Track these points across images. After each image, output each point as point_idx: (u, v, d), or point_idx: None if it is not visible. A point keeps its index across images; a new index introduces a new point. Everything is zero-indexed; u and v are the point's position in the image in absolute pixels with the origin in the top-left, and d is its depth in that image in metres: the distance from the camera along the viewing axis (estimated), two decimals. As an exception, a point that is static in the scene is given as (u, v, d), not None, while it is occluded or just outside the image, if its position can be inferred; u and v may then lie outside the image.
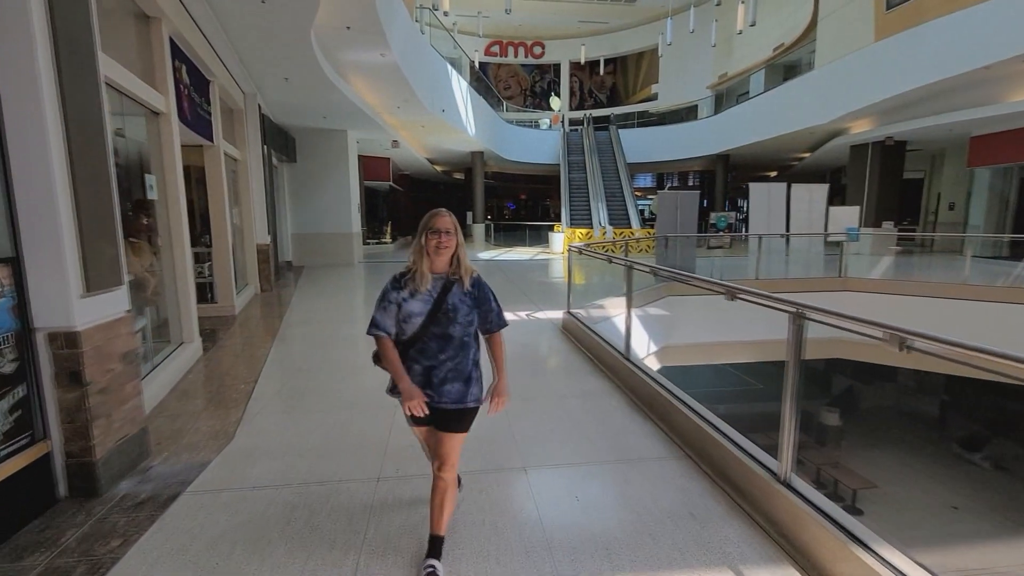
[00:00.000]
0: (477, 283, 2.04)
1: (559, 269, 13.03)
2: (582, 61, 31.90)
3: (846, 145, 15.84)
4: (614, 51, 31.53)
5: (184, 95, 5.02)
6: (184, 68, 5.08)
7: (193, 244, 6.92)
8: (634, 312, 7.51)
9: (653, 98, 30.10)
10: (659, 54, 29.70)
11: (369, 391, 3.94)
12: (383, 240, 20.59)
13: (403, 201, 25.06)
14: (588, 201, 20.07)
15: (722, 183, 22.77)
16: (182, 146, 6.09)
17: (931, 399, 9.46)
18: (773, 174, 26.08)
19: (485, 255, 16.05)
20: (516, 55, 33.55)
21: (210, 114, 6.15)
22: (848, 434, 8.36)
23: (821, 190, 12.47)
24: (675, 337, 7.91)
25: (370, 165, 17.47)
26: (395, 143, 14.99)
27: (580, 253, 5.87)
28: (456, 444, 2.01)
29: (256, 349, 5.08)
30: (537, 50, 33.39)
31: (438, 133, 16.18)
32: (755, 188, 12.62)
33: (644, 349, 7.35)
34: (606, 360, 4.54)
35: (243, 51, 6.62)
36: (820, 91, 14.82)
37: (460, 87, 15.57)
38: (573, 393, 4.03)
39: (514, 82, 34.79)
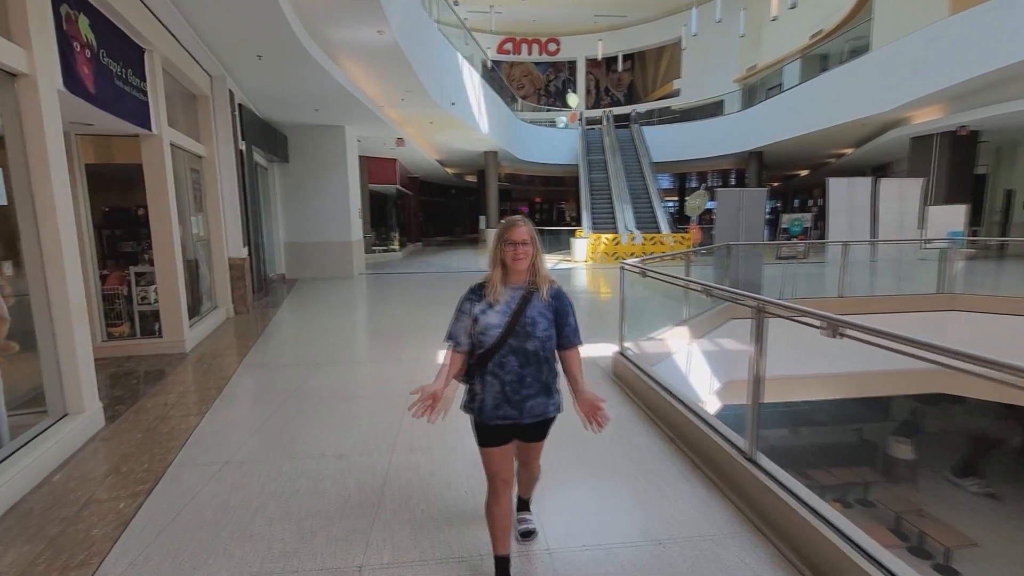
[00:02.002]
0: (557, 295, 1.93)
1: (585, 280, 11.44)
2: (599, 57, 30.43)
3: (904, 138, 14.02)
4: (632, 46, 30.03)
5: (83, 58, 3.57)
6: (86, 20, 3.62)
7: (134, 262, 5.52)
8: (695, 343, 5.94)
9: (674, 94, 28.52)
10: (682, 47, 28.12)
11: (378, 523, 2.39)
12: (391, 247, 19.17)
13: (413, 205, 23.66)
14: (611, 203, 18.47)
15: (755, 182, 20.96)
16: (105, 136, 4.83)
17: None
18: (803, 173, 24.27)
19: (500, 264, 14.55)
20: (530, 52, 32.18)
21: (145, 93, 4.70)
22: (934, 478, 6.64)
23: (914, 185, 10.60)
24: (739, 370, 6.31)
25: (375, 167, 16.08)
26: (400, 141, 13.55)
27: (643, 275, 4.24)
28: (537, 451, 2.05)
29: (181, 418, 3.58)
30: (552, 47, 32.00)
31: (448, 130, 14.72)
32: (834, 184, 10.72)
33: (705, 387, 5.78)
34: (701, 448, 2.96)
35: (190, 14, 5.17)
36: (879, 76, 13.05)
37: (472, 79, 14.10)
38: (642, 494, 2.46)
39: (527, 81, 33.32)
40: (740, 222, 7.92)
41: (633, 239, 14.68)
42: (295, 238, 11.62)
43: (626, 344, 4.38)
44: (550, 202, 35.97)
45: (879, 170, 19.52)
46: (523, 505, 2.28)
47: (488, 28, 23.78)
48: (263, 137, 9.53)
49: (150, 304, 5.40)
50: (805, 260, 8.33)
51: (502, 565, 1.92)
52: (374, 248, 17.33)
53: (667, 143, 22.45)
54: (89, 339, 3.36)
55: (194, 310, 6.24)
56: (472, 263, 14.88)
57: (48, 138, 3.01)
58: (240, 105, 7.89)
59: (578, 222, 26.11)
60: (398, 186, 18.40)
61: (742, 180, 24.01)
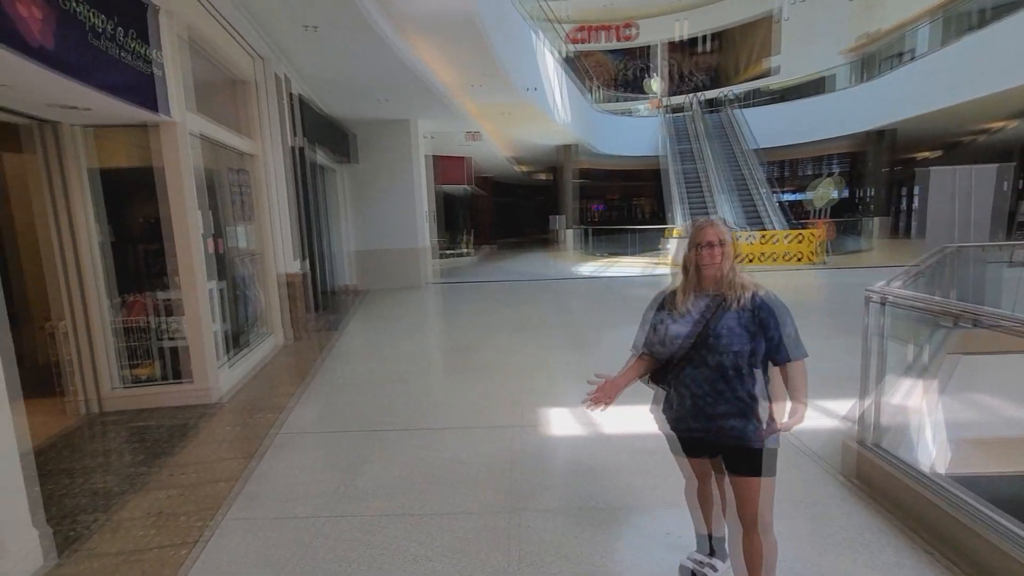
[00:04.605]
0: (760, 304, 1.69)
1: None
2: (683, 37, 27.89)
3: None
4: (719, 24, 27.24)
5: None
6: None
7: (149, 286, 4.39)
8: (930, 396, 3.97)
9: (767, 74, 25.48)
10: (777, 19, 25.06)
11: None
12: (461, 251, 18.02)
13: (484, 206, 22.47)
14: (705, 196, 16.21)
15: (880, 167, 17.75)
16: (99, 127, 3.53)
17: None
18: (931, 155, 20.56)
19: (584, 269, 12.83)
20: (604, 40, 30.20)
21: (152, 64, 3.51)
22: None
23: None
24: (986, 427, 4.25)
25: (445, 166, 14.92)
26: (474, 135, 12.24)
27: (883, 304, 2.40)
28: (752, 491, 1.70)
29: (159, 553, 2.25)
30: (628, 32, 29.83)
31: (524, 122, 13.23)
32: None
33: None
34: None
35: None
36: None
37: (550, 64, 12.53)
38: None
39: (599, 72, 31.27)
40: (971, 211, 5.63)
41: (748, 240, 12.41)
42: (363, 245, 10.59)
43: (874, 422, 2.58)
44: (626, 198, 33.81)
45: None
46: (716, 549, 1.99)
47: (561, 16, 22.03)
48: (328, 136, 8.48)
49: (182, 339, 4.27)
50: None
51: (710, 541, 1.94)
52: (446, 252, 16.24)
53: (763, 127, 19.70)
54: (13, 443, 2.10)
55: (238, 340, 5.12)
56: (553, 269, 13.28)
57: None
58: (300, 98, 6.80)
59: (659, 219, 23.88)
60: (469, 186, 17.19)
61: (860, 164, 20.67)
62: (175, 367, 4.30)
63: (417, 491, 2.70)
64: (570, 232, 18.89)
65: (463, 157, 15.75)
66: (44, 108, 3.39)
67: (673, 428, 1.85)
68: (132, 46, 3.27)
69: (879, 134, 17.65)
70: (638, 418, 3.35)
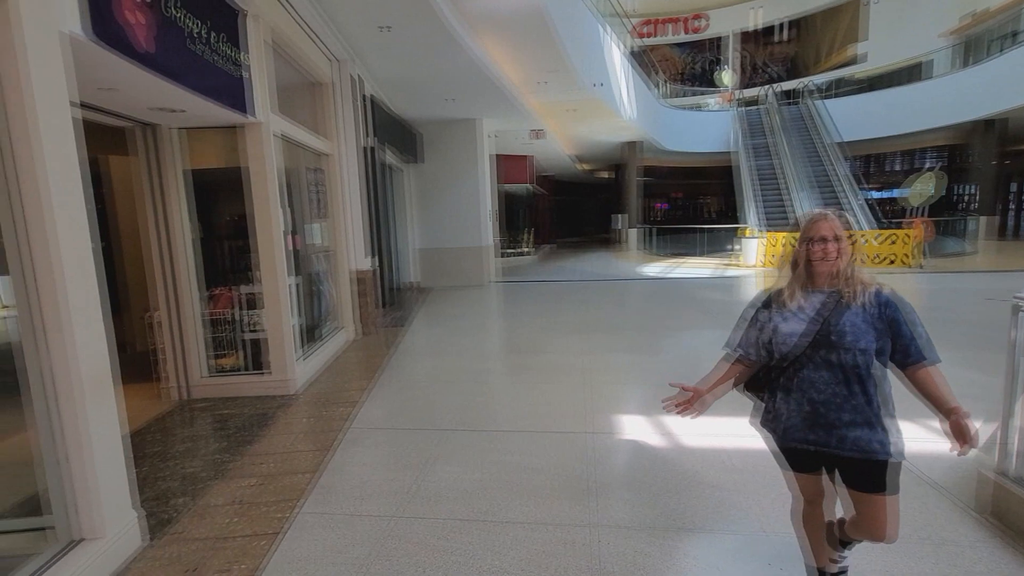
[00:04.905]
0: (886, 301, 1.56)
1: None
2: (758, 26, 26.47)
3: None
4: (799, 10, 25.59)
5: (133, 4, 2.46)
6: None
7: (234, 281, 4.59)
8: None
9: (852, 61, 23.63)
10: (866, 2, 23.22)
11: None
12: (522, 250, 17.97)
13: (545, 205, 22.31)
14: (784, 194, 15.22)
15: (987, 161, 15.97)
16: (192, 129, 3.77)
17: None
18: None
19: (649, 269, 12.40)
20: (672, 32, 29.22)
21: (241, 67, 3.65)
22: None
23: None
24: None
25: (508, 165, 14.92)
26: (538, 133, 12.13)
27: None
28: (878, 509, 1.56)
29: (243, 544, 2.30)
30: (697, 23, 28.70)
31: (590, 119, 12.97)
32: None
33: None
34: None
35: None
36: None
37: (616, 58, 12.19)
38: None
39: (664, 67, 30.22)
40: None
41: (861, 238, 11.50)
42: (427, 244, 10.77)
43: (1019, 450, 2.22)
44: (692, 196, 32.58)
45: None
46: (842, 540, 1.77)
47: (627, 10, 21.43)
48: (397, 136, 8.67)
49: (263, 331, 4.46)
50: None
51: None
52: (506, 252, 16.25)
53: (848, 119, 18.24)
54: (116, 427, 2.20)
55: (313, 334, 5.29)
56: (616, 269, 12.94)
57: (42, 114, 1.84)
58: (372, 99, 6.97)
59: (727, 218, 22.72)
60: (531, 185, 17.10)
61: (960, 158, 18.71)
62: (256, 359, 4.49)
63: (490, 497, 2.61)
64: (633, 231, 18.38)
65: (526, 156, 15.69)
66: (146, 111, 3.61)
67: (783, 440, 1.66)
68: (224, 49, 3.41)
69: (986, 124, 15.91)
70: (731, 429, 3.13)
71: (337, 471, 2.95)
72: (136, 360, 4.69)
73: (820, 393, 1.57)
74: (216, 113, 3.59)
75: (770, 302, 1.71)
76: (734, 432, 3.13)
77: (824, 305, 1.58)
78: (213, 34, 3.25)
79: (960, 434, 1.46)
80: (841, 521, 1.74)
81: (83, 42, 2.23)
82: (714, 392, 1.73)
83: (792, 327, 1.60)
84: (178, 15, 2.87)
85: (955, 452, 1.49)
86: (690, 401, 1.70)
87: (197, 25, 3.06)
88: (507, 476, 2.82)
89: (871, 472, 1.55)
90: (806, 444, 1.61)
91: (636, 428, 3.40)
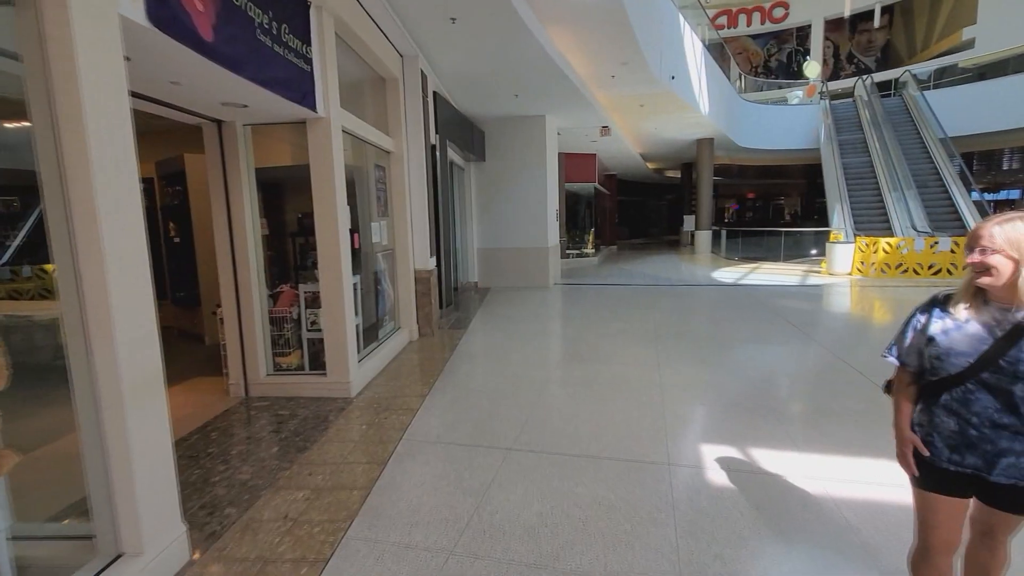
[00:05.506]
0: None
1: (871, 309, 7.97)
2: (846, 14, 24.37)
3: None
4: (898, -8, 23.36)
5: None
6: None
7: (297, 279, 4.54)
8: None
9: (958, 48, 21.19)
10: (982, -20, 20.88)
11: None
12: (585, 251, 17.48)
13: (608, 205, 21.66)
14: (879, 194, 13.79)
15: None
16: (260, 125, 3.61)
17: None
18: None
19: (723, 275, 11.57)
20: (749, 23, 27.63)
21: (309, 62, 3.54)
22: None
23: None
24: None
25: (573, 164, 14.51)
26: (605, 130, 11.64)
27: None
28: (1012, 526, 1.52)
29: (294, 562, 2.12)
30: (778, 12, 26.97)
31: (661, 114, 12.30)
32: None
33: None
34: None
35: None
36: None
37: (694, 49, 11.47)
38: None
39: (742, 59, 28.55)
40: None
41: (935, 245, 10.24)
42: (489, 243, 10.59)
43: None
44: (766, 197, 30.71)
45: None
46: None
47: (702, 2, 20.28)
48: (460, 133, 8.53)
49: (314, 329, 4.38)
50: None
51: None
52: (568, 253, 15.84)
53: (954, 112, 16.29)
54: (165, 435, 2.08)
55: (371, 334, 5.19)
56: (687, 274, 12.20)
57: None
58: (436, 95, 6.84)
59: (807, 220, 21.01)
60: (596, 184, 16.58)
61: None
62: (315, 358, 4.43)
63: (557, 536, 2.29)
64: (704, 233, 17.40)
65: (591, 154, 15.21)
66: (217, 107, 3.58)
67: (931, 457, 1.53)
68: (291, 42, 3.30)
69: None
70: (861, 471, 2.66)
71: (389, 489, 2.73)
72: (210, 353, 4.77)
73: (977, 417, 1.44)
74: (281, 108, 3.51)
75: (938, 309, 1.54)
76: (872, 474, 2.63)
77: (998, 322, 1.41)
78: (277, 24, 3.14)
79: None
80: None
81: (143, 28, 2.13)
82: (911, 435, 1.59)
83: (957, 343, 1.46)
84: (242, 3, 2.76)
85: None
86: (911, 454, 1.57)
87: (267, 17, 2.96)
88: (576, 511, 2.48)
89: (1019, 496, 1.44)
90: (953, 466, 1.49)
91: (731, 464, 2.94)
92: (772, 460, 2.93)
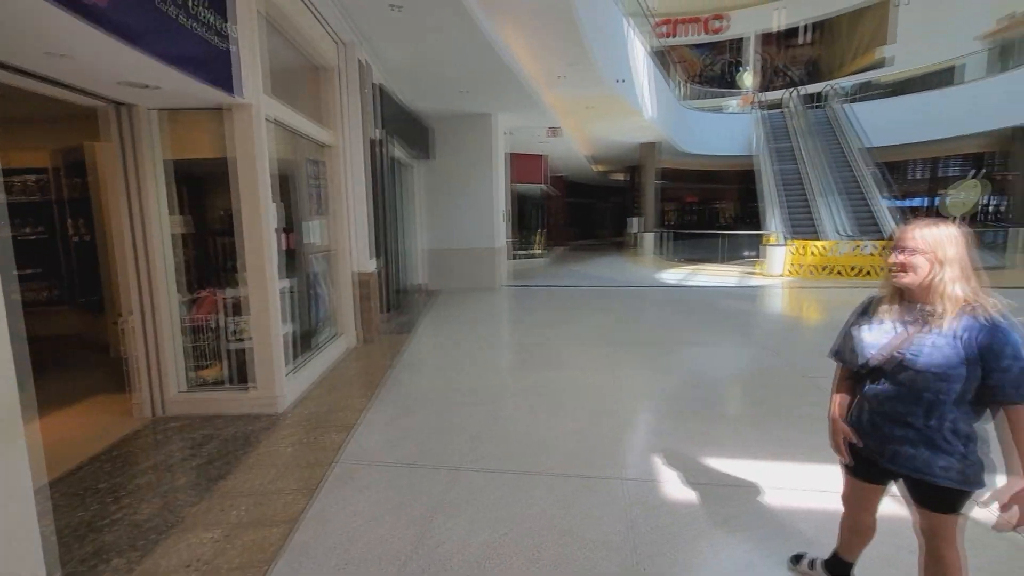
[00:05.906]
0: (979, 327, 1.41)
1: (806, 311, 8.30)
2: (781, 28, 25.79)
3: None
4: (825, 11, 24.97)
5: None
6: None
7: (219, 283, 4.09)
8: None
9: (879, 64, 22.97)
10: (896, 3, 22.61)
11: None
12: (534, 252, 17.44)
13: (557, 207, 21.78)
14: (806, 199, 14.57)
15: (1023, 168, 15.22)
16: (172, 110, 3.09)
17: None
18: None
19: (667, 276, 11.79)
20: (689, 33, 28.66)
21: (228, 40, 3.15)
22: None
23: None
24: None
25: (522, 164, 14.37)
26: (554, 131, 11.59)
27: None
28: (937, 524, 1.55)
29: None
30: (716, 24, 28.12)
31: (608, 118, 12.41)
32: None
33: None
34: None
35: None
36: None
37: (638, 54, 11.63)
38: None
39: (681, 68, 29.58)
40: None
41: (857, 248, 10.87)
42: (436, 244, 10.26)
43: None
44: (705, 202, 31.95)
45: None
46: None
47: (645, 11, 20.77)
48: (407, 129, 8.16)
49: (248, 340, 3.95)
50: None
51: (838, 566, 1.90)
52: (516, 254, 15.72)
53: (875, 124, 17.55)
54: (27, 480, 1.68)
55: (306, 343, 4.78)
56: (634, 275, 12.35)
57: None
58: (381, 88, 6.47)
59: (743, 223, 21.99)
60: (544, 185, 16.56)
61: (996, 166, 17.90)
62: (240, 370, 3.99)
63: (508, 572, 2.07)
64: (649, 235, 17.78)
65: (540, 155, 15.15)
66: (116, 87, 3.11)
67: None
68: (205, 16, 2.91)
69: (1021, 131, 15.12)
70: (815, 478, 2.57)
71: (319, 522, 2.42)
72: (112, 368, 4.21)
73: (883, 406, 1.58)
74: (196, 91, 3.10)
75: (866, 309, 1.68)
76: (807, 484, 2.58)
77: (911, 320, 1.53)
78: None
79: (1013, 499, 1.36)
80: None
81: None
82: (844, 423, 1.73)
83: (869, 337, 1.61)
84: (139, -37, 2.36)
85: (995, 526, 1.40)
86: (847, 441, 1.70)
87: (167, -21, 2.56)
88: (529, 539, 2.28)
89: (929, 493, 1.53)
90: (860, 447, 1.66)
91: (691, 477, 2.81)
92: (728, 468, 2.85)
